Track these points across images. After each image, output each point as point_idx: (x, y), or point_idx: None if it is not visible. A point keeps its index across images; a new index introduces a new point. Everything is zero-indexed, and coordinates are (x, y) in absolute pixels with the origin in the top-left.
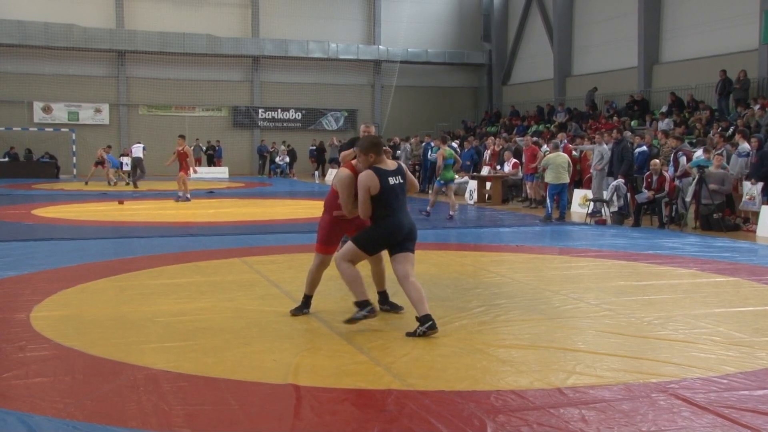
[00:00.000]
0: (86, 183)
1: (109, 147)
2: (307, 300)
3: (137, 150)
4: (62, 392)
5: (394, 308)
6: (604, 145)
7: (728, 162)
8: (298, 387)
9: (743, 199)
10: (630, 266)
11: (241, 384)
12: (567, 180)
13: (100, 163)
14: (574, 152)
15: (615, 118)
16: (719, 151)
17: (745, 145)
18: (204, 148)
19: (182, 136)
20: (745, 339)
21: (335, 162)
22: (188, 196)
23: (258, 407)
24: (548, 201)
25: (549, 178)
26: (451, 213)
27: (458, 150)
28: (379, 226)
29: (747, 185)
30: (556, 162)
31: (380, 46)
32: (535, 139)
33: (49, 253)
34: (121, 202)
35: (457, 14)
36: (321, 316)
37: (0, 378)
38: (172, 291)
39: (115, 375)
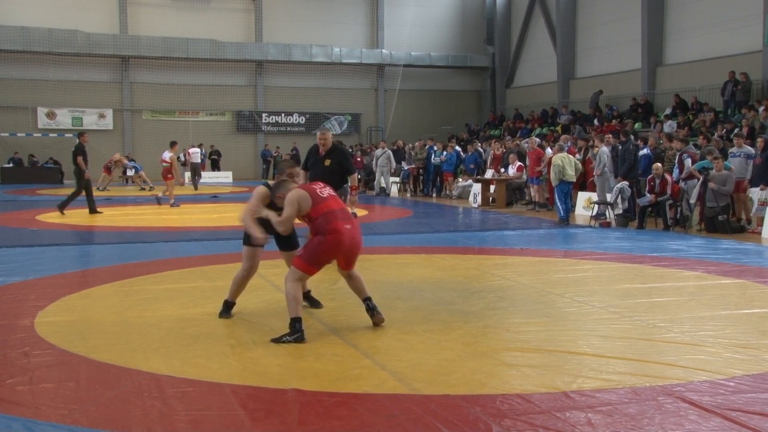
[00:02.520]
0: (101, 189)
1: (128, 157)
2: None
3: (195, 155)
4: (66, 398)
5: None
6: (604, 148)
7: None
8: (302, 392)
9: (755, 206)
10: (635, 269)
11: (245, 389)
12: (573, 179)
13: (110, 168)
14: (577, 155)
15: (614, 121)
16: (714, 154)
17: (732, 148)
18: (207, 153)
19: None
20: (752, 341)
21: None
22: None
23: (262, 412)
24: (559, 204)
25: (570, 177)
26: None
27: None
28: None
29: (755, 191)
30: (564, 163)
31: (383, 50)
32: (539, 141)
33: (53, 259)
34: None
35: (460, 18)
36: (325, 321)
37: (4, 384)
38: (176, 296)
39: (120, 380)
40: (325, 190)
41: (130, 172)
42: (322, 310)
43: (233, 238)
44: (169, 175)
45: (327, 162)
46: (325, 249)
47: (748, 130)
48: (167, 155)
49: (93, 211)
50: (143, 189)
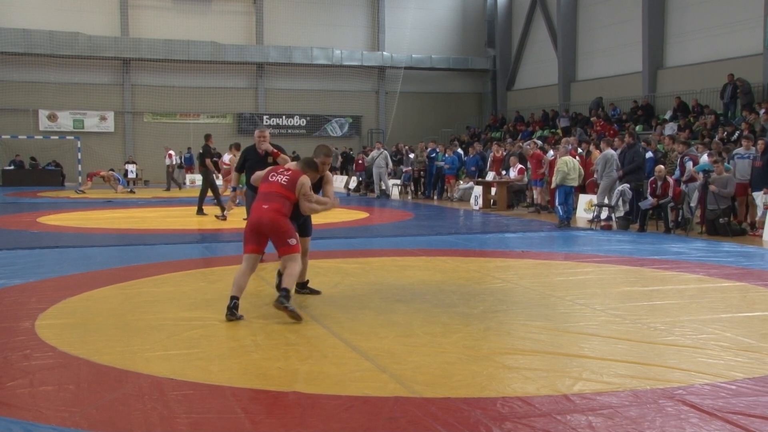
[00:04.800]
0: (78, 191)
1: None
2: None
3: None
4: (67, 401)
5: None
6: (609, 151)
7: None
8: (303, 395)
9: (760, 210)
10: (636, 271)
11: (246, 392)
12: (576, 182)
13: (93, 177)
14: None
15: (615, 125)
16: (715, 158)
17: (738, 150)
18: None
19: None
20: (753, 344)
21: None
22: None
23: (263, 415)
24: (558, 205)
25: (567, 181)
26: (225, 214)
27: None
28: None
29: (759, 195)
30: (574, 165)
31: (384, 53)
32: (540, 143)
33: (54, 261)
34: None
35: (461, 20)
36: (326, 324)
37: (4, 386)
38: (177, 298)
39: (120, 383)
40: (278, 177)
41: (131, 175)
42: (323, 312)
43: (234, 240)
44: (228, 177)
45: (270, 161)
46: (246, 226)
47: (748, 133)
48: (227, 158)
49: (199, 211)
50: (132, 192)
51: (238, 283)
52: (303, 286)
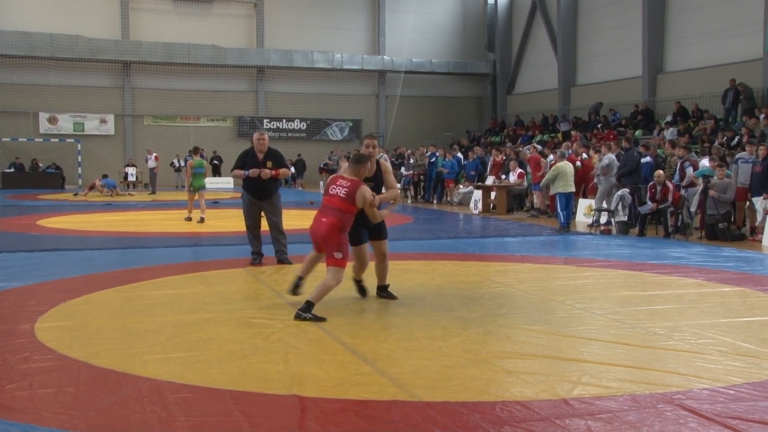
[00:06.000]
0: (75, 194)
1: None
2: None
3: (150, 160)
4: (66, 403)
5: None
6: (611, 155)
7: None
8: (302, 398)
9: (760, 215)
10: (635, 276)
11: (245, 395)
12: (573, 188)
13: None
14: (577, 162)
15: (614, 130)
16: (718, 162)
17: (742, 154)
18: (209, 158)
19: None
20: (752, 349)
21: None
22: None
23: (262, 418)
24: (560, 211)
25: (560, 187)
26: (202, 216)
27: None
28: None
29: (758, 200)
30: (566, 171)
31: (384, 57)
32: (540, 147)
33: (54, 264)
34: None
35: (461, 24)
36: (326, 327)
37: (4, 389)
38: (177, 301)
39: (120, 386)
40: (337, 190)
41: (131, 178)
42: (322, 315)
43: (233, 243)
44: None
45: (269, 164)
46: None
47: (748, 138)
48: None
49: None
50: (131, 195)
51: (305, 265)
52: (383, 290)
